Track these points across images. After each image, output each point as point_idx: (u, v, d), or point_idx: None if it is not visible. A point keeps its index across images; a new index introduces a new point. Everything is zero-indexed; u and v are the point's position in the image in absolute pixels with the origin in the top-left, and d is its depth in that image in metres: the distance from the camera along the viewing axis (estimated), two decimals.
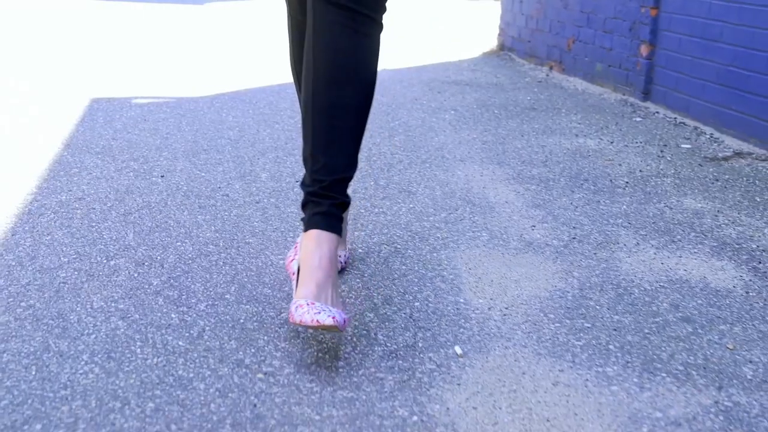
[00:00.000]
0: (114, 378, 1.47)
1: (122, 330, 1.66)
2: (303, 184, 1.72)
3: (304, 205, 1.71)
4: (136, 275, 1.93)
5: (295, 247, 1.76)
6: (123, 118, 3.57)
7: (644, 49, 4.24)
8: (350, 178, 1.70)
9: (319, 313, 1.47)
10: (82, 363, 1.52)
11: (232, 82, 4.63)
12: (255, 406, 1.41)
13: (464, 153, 3.26)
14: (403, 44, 6.88)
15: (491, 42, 7.03)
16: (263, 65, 5.34)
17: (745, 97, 3.47)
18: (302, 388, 1.46)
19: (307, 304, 1.50)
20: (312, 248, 1.61)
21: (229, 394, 1.44)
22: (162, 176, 2.74)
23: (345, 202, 1.71)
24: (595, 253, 2.22)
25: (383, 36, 7.32)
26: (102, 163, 2.86)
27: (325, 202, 1.67)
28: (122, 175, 2.73)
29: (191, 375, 1.50)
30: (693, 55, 3.85)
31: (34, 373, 1.47)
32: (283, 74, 4.96)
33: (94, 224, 2.26)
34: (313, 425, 1.36)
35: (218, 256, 2.08)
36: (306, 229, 1.67)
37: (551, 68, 5.45)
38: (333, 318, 1.46)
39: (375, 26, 1.66)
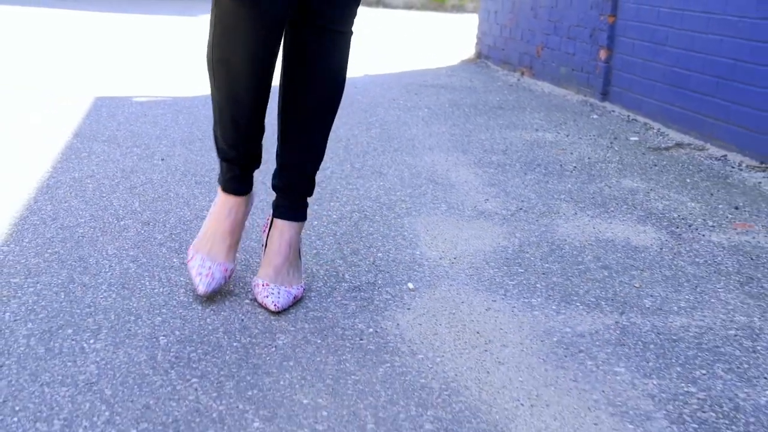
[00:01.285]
0: (128, 301, 1.82)
1: (133, 269, 2.01)
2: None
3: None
4: (143, 232, 2.29)
5: (267, 218, 2.06)
6: (125, 113, 3.93)
7: (603, 54, 4.63)
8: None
9: (267, 296, 1.81)
10: (102, 291, 1.87)
11: None
12: (242, 320, 1.76)
13: (433, 143, 3.63)
14: (386, 53, 7.27)
15: (469, 51, 7.43)
16: None
17: (686, 94, 3.85)
18: (281, 314, 1.82)
19: (263, 285, 1.85)
20: (276, 236, 1.94)
21: (222, 312, 1.79)
22: (162, 159, 3.10)
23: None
24: (537, 220, 2.58)
25: (365, 45, 7.71)
26: (108, 149, 3.22)
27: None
28: (127, 159, 3.09)
29: (190, 299, 1.85)
30: (644, 57, 4.23)
31: (63, 297, 1.82)
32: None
33: (104, 195, 2.61)
34: (288, 334, 1.71)
35: None
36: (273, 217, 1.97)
37: (522, 74, 5.84)
38: (275, 305, 1.80)
39: (346, 37, 1.86)
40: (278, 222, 1.91)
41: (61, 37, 7.34)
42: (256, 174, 2.04)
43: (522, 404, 1.48)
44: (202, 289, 1.80)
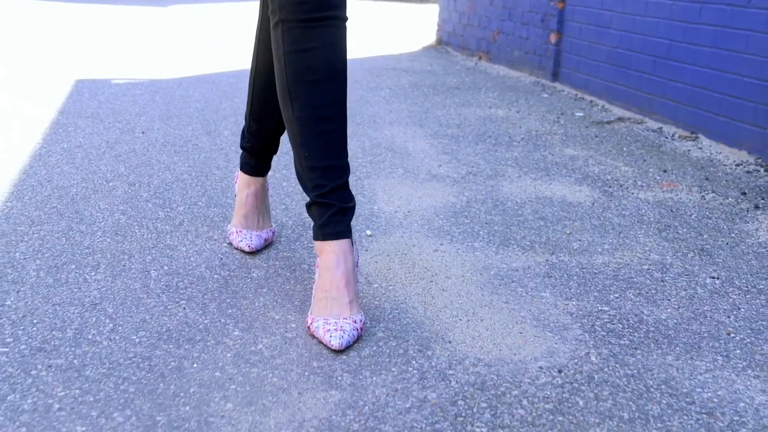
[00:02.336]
0: (121, 244, 2.09)
1: (123, 220, 2.27)
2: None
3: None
4: (129, 191, 2.55)
5: (237, 174, 2.30)
6: (105, 94, 4.17)
7: (553, 37, 4.94)
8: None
9: (241, 240, 2.10)
10: (98, 236, 2.13)
11: (196, 68, 5.24)
12: (221, 258, 2.03)
13: (393, 118, 3.92)
14: (351, 42, 7.53)
15: (430, 38, 7.72)
16: (223, 55, 5.95)
17: (628, 73, 4.18)
18: (255, 254, 2.09)
19: (236, 232, 2.13)
20: (242, 188, 2.18)
21: (203, 253, 2.06)
22: (143, 132, 3.36)
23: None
24: (484, 182, 2.88)
25: None
26: (92, 124, 3.47)
27: None
28: (110, 132, 3.34)
29: (176, 243, 2.12)
30: (591, 40, 4.55)
31: (64, 241, 2.08)
32: (241, 62, 5.58)
33: (92, 162, 2.86)
34: (262, 269, 1.98)
35: (192, 181, 2.71)
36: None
37: (480, 58, 6.15)
38: (248, 246, 2.08)
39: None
40: (244, 176, 2.17)
41: (39, 26, 7.51)
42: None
43: (460, 319, 1.77)
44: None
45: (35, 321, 1.64)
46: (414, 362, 1.57)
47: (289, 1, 1.63)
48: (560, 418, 1.40)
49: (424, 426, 1.35)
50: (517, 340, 1.70)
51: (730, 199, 2.79)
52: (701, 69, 3.62)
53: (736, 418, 1.43)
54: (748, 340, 1.74)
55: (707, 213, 2.63)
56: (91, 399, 1.37)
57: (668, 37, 3.85)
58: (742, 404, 1.48)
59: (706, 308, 1.89)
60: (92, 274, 1.88)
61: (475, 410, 1.41)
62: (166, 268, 1.95)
